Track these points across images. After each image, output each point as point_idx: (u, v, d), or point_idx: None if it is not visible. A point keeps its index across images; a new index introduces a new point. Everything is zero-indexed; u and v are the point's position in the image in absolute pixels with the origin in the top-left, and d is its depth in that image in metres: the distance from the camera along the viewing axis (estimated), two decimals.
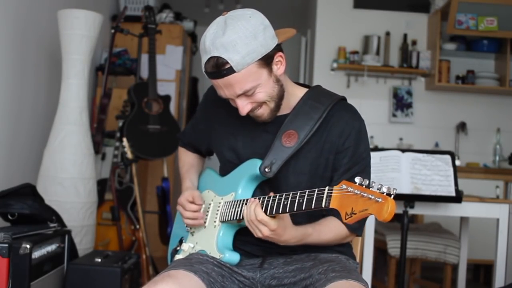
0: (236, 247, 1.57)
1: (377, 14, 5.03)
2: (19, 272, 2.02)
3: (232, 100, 1.47)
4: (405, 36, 4.93)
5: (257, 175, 1.51)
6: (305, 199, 1.33)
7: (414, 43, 4.95)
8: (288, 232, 1.42)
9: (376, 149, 2.88)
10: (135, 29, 3.91)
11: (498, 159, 4.86)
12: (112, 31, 3.56)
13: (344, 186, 1.23)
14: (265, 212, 1.40)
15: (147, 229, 3.55)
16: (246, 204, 1.45)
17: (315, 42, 5.06)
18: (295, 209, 1.34)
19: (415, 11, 5.03)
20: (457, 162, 3.59)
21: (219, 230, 1.56)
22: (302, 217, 1.49)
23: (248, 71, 1.39)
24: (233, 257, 1.53)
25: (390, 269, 3.25)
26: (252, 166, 1.52)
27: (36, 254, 2.14)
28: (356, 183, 1.21)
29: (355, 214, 1.19)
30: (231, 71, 1.38)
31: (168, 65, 4.65)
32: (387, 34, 4.96)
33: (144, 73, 4.03)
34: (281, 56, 1.46)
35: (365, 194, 1.18)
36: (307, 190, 1.33)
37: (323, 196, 1.28)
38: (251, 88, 1.42)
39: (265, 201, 1.42)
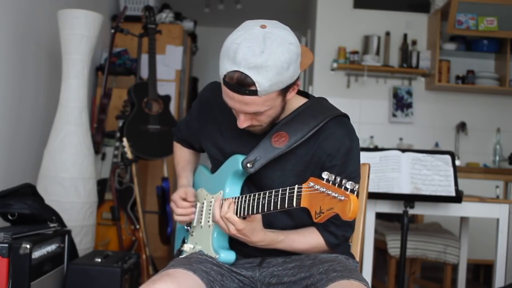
0: (234, 247, 1.57)
1: (377, 14, 5.03)
2: (19, 272, 2.02)
3: (235, 111, 1.44)
4: (405, 36, 4.93)
5: (241, 171, 1.51)
6: (279, 199, 1.34)
7: (414, 43, 4.95)
8: (256, 235, 1.45)
9: (376, 149, 2.88)
10: (135, 29, 3.91)
11: (498, 159, 4.86)
12: (112, 31, 3.56)
13: (312, 184, 1.23)
14: (245, 212, 1.43)
15: (147, 229, 3.55)
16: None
17: (315, 42, 5.06)
18: (272, 209, 1.36)
19: (415, 11, 5.04)
20: (457, 162, 3.60)
21: (213, 230, 1.57)
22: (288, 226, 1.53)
23: (268, 97, 1.37)
24: (229, 257, 1.53)
25: (390, 269, 3.25)
26: (235, 162, 1.52)
27: (36, 254, 2.14)
28: (323, 179, 1.20)
29: (323, 213, 1.19)
30: (254, 93, 1.34)
31: (168, 65, 4.65)
32: (387, 34, 4.96)
33: (144, 73, 4.03)
34: (297, 84, 1.44)
35: (330, 192, 1.17)
36: (280, 189, 1.35)
37: (293, 195, 1.29)
38: (263, 111, 1.41)
39: (242, 201, 1.44)
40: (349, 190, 1.15)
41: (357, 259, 1.65)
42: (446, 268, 3.27)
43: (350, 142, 1.50)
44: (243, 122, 1.44)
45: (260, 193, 1.40)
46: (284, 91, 1.40)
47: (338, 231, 1.52)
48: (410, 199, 2.59)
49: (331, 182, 1.19)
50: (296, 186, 1.29)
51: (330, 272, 1.40)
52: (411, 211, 2.61)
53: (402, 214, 2.62)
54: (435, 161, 2.64)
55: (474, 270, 4.59)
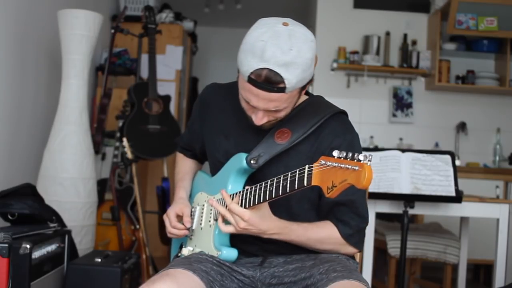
0: (235, 245, 1.56)
1: (377, 14, 5.03)
2: (19, 272, 2.02)
3: (252, 109, 1.44)
4: (405, 36, 4.93)
5: (244, 168, 1.51)
6: (288, 181, 1.33)
7: (414, 43, 4.95)
8: (265, 222, 1.44)
9: (376, 149, 2.88)
10: (135, 29, 3.91)
11: (498, 159, 4.86)
12: (112, 31, 3.56)
13: (323, 162, 1.23)
14: (250, 203, 1.42)
15: (147, 229, 3.55)
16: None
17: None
18: (280, 193, 1.35)
19: (415, 11, 5.04)
20: (457, 162, 3.59)
21: (214, 228, 1.57)
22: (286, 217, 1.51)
23: (292, 94, 1.40)
24: (231, 254, 1.53)
25: (390, 269, 3.25)
26: (238, 160, 1.52)
27: (36, 254, 2.14)
28: (334, 157, 1.21)
29: (335, 186, 1.19)
30: (281, 90, 1.36)
31: (168, 65, 4.65)
32: (387, 34, 4.96)
33: (144, 73, 4.03)
34: (311, 82, 1.47)
35: (343, 165, 1.17)
36: (289, 173, 1.34)
37: (304, 175, 1.29)
38: (284, 108, 1.42)
39: (247, 193, 1.44)
40: (362, 161, 1.15)
41: (357, 259, 1.65)
42: (446, 268, 3.27)
43: (351, 136, 1.54)
44: (261, 119, 1.44)
45: (267, 181, 1.40)
46: (303, 88, 1.44)
47: (351, 221, 1.52)
48: (410, 199, 2.59)
49: (342, 158, 1.19)
50: (307, 166, 1.29)
51: (330, 272, 1.40)
52: (411, 211, 2.61)
53: (402, 214, 2.62)
54: (435, 161, 2.65)
55: (474, 270, 4.59)
